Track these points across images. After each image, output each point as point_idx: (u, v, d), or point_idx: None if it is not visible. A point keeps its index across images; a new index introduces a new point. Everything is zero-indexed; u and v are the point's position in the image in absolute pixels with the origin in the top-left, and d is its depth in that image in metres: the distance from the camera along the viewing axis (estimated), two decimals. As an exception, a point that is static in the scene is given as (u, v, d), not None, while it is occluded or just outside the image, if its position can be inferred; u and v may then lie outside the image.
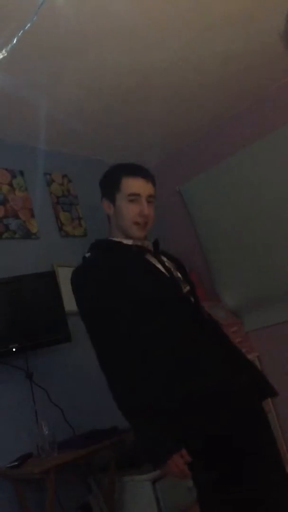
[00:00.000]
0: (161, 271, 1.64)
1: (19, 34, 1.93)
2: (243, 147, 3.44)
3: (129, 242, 1.68)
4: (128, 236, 1.69)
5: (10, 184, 2.94)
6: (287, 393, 3.27)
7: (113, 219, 1.72)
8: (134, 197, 1.66)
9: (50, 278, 2.68)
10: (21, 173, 3.03)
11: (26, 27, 1.90)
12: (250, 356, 3.28)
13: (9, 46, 1.97)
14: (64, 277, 2.85)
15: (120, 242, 1.69)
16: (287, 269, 3.30)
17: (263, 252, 3.39)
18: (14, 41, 1.95)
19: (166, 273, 1.64)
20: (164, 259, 1.72)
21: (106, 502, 2.45)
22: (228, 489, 1.46)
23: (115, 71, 2.71)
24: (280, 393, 3.39)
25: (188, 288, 1.68)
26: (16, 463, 2.22)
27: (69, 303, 2.69)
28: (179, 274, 1.71)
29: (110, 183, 1.73)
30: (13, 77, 2.51)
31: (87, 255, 1.71)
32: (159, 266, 1.66)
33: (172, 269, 1.69)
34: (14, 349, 2.38)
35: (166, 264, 1.69)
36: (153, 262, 1.66)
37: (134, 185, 1.67)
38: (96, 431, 2.45)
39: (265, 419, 1.66)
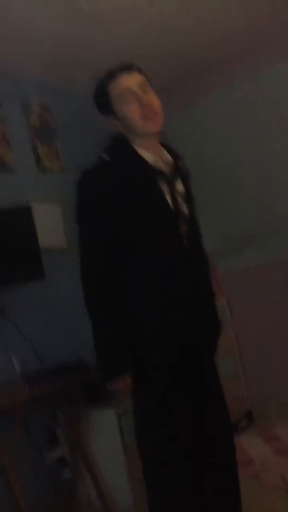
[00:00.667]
0: (168, 207, 1.59)
1: None
2: (228, 85, 3.35)
3: (149, 158, 1.60)
4: (147, 139, 1.61)
5: (-14, 113, 2.80)
6: (253, 338, 3.44)
7: (125, 130, 1.63)
8: (126, 95, 1.58)
9: (25, 213, 2.61)
10: (-2, 102, 2.87)
11: None
12: (220, 301, 3.35)
13: None
14: (40, 213, 2.80)
15: (141, 158, 1.60)
16: (261, 213, 3.33)
17: (238, 194, 3.42)
18: None
19: (171, 206, 1.59)
20: (178, 188, 1.64)
21: (72, 433, 2.54)
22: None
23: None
24: (246, 334, 3.54)
25: (186, 228, 1.63)
26: (-15, 394, 2.26)
27: (44, 239, 2.69)
28: (185, 210, 1.65)
29: (101, 98, 1.65)
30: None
31: (104, 156, 1.63)
32: (168, 197, 1.59)
33: (181, 203, 1.63)
34: (-15, 284, 2.36)
35: (177, 196, 1.62)
36: (164, 191, 1.59)
37: (120, 83, 1.60)
38: (64, 364, 2.49)
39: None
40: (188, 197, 1.69)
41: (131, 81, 1.60)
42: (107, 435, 2.47)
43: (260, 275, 3.43)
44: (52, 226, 2.87)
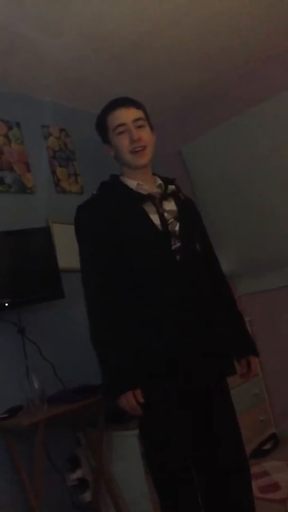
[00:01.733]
0: (153, 225, 1.63)
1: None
2: (247, 109, 3.35)
3: (134, 184, 1.71)
4: (134, 170, 1.71)
5: (6, 136, 2.86)
6: (275, 357, 3.38)
7: (117, 159, 1.75)
8: (120, 128, 1.68)
9: (44, 234, 2.65)
10: (18, 124, 2.94)
11: None
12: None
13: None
14: (59, 233, 2.83)
15: (125, 186, 1.71)
16: (283, 236, 3.29)
17: (260, 218, 3.36)
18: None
19: (159, 227, 1.63)
20: (168, 207, 1.70)
21: (94, 455, 2.51)
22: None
23: (120, 20, 2.60)
24: (268, 356, 3.47)
25: (178, 245, 1.63)
26: (6, 415, 2.25)
27: (63, 260, 2.71)
28: (176, 227, 1.66)
29: (100, 127, 1.75)
30: (13, 24, 2.41)
31: (95, 192, 1.76)
32: (155, 216, 1.64)
33: (169, 221, 1.66)
34: (6, 304, 2.38)
35: (166, 215, 1.67)
36: (149, 212, 1.65)
37: (116, 117, 1.69)
38: (86, 387, 2.47)
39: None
40: (181, 216, 1.71)
41: (126, 115, 1.68)
42: (128, 457, 2.44)
43: (283, 297, 3.39)
44: (71, 246, 2.88)
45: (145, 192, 1.69)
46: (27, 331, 2.55)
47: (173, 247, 1.63)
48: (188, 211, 1.77)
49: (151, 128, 1.75)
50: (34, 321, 2.62)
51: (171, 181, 1.79)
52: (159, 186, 1.74)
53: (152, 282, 1.60)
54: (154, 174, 1.79)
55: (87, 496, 2.54)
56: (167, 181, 1.78)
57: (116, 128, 1.68)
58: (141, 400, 1.52)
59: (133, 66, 3.04)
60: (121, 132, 1.67)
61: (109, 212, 1.65)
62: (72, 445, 2.64)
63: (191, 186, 3.71)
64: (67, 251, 2.79)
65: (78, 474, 2.55)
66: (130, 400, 1.52)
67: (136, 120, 1.68)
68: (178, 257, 1.63)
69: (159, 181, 1.76)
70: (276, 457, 3.02)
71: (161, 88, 3.35)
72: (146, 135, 1.69)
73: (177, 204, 1.73)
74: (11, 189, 2.79)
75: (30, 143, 2.98)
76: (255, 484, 2.37)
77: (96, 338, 1.61)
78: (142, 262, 1.61)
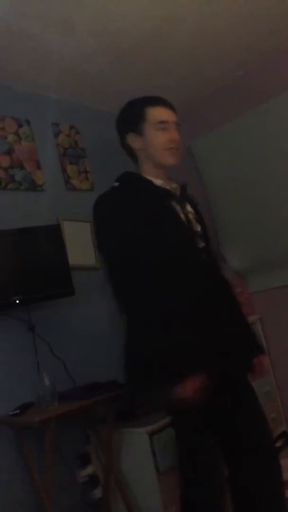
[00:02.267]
0: (182, 222, 1.62)
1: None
2: (257, 105, 3.32)
3: (158, 182, 1.68)
4: (158, 168, 1.69)
5: (16, 134, 2.87)
6: (286, 355, 3.35)
7: (142, 152, 1.71)
8: (163, 125, 1.68)
9: (55, 231, 2.65)
10: (28, 122, 2.95)
11: None
12: (252, 318, 3.30)
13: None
14: (69, 231, 2.84)
15: (149, 181, 1.68)
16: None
17: (271, 215, 3.34)
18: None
19: (187, 225, 1.64)
20: (189, 209, 1.70)
21: (104, 452, 2.52)
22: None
23: (128, 18, 2.59)
24: (279, 354, 3.45)
25: (203, 244, 1.67)
26: (17, 411, 2.26)
27: (74, 257, 2.71)
28: (198, 228, 1.68)
29: (134, 116, 1.71)
30: (23, 22, 2.41)
31: (116, 184, 1.70)
32: (182, 215, 1.64)
33: (193, 222, 1.67)
34: (17, 301, 2.38)
35: (189, 215, 1.67)
36: (177, 210, 1.64)
37: (161, 113, 1.70)
38: (96, 384, 2.48)
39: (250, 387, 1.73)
40: (199, 218, 1.73)
41: (171, 116, 1.72)
42: (138, 454, 2.44)
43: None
44: (81, 244, 2.90)
45: (171, 190, 1.69)
46: (38, 328, 2.55)
47: (199, 246, 1.66)
48: (200, 213, 1.78)
49: None
50: (45, 318, 2.63)
51: (185, 184, 1.79)
52: (176, 189, 1.73)
53: (182, 280, 1.55)
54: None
55: (97, 493, 2.55)
56: (180, 184, 1.79)
57: (159, 123, 1.68)
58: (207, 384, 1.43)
59: (142, 63, 3.03)
60: (163, 129, 1.68)
61: (136, 204, 1.59)
62: (82, 442, 2.64)
63: (201, 183, 3.70)
64: (77, 249, 2.81)
65: (88, 470, 2.56)
66: (198, 384, 1.42)
67: (176, 123, 1.73)
68: (204, 256, 1.66)
69: (175, 184, 1.76)
70: (287, 454, 3.01)
71: (169, 85, 3.32)
72: (179, 140, 1.72)
73: (192, 207, 1.74)
74: (22, 186, 2.80)
75: (40, 141, 2.98)
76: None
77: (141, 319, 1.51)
78: (171, 259, 1.56)
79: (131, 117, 1.73)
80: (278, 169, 3.26)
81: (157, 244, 1.55)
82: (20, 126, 2.90)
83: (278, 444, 3.13)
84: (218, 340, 1.51)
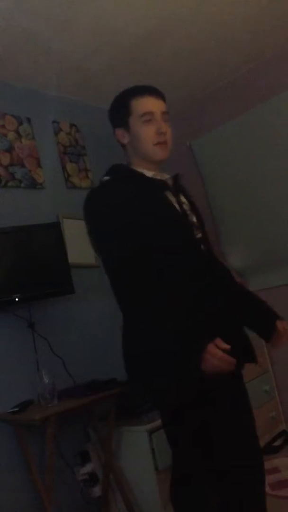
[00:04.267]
0: (178, 213, 1.58)
1: None
2: (258, 104, 3.32)
3: (150, 174, 1.61)
4: (148, 162, 1.61)
5: (17, 131, 2.86)
6: (286, 354, 3.35)
7: (130, 147, 1.64)
8: (148, 117, 1.59)
9: (55, 229, 2.65)
10: (28, 120, 2.94)
11: None
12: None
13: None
14: (69, 228, 2.83)
15: (141, 173, 1.60)
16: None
17: (271, 214, 3.34)
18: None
19: (183, 216, 1.59)
20: (183, 199, 1.65)
21: (104, 450, 2.52)
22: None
23: (129, 16, 2.59)
24: (279, 354, 3.45)
25: (200, 235, 1.63)
26: (17, 409, 2.26)
27: (73, 255, 2.71)
28: (194, 219, 1.64)
29: (119, 109, 1.64)
30: (24, 20, 2.41)
31: (105, 178, 1.63)
32: (177, 206, 1.59)
33: (188, 212, 1.63)
34: (17, 299, 2.38)
35: (184, 206, 1.62)
36: (172, 201, 1.59)
37: (145, 104, 1.60)
38: (96, 382, 2.48)
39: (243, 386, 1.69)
40: (194, 208, 1.69)
41: (157, 106, 1.61)
42: (138, 453, 2.44)
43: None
44: (81, 242, 2.88)
45: (163, 181, 1.62)
46: (37, 326, 2.55)
47: (197, 237, 1.61)
48: (195, 204, 1.73)
49: None
50: (44, 316, 2.63)
51: (178, 176, 1.72)
52: (168, 180, 1.67)
53: (181, 270, 1.51)
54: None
55: (97, 491, 2.55)
56: (173, 175, 1.71)
57: (144, 115, 1.58)
58: (226, 346, 1.35)
59: (142, 61, 3.03)
60: (148, 121, 1.58)
61: (130, 196, 1.52)
62: (82, 440, 2.65)
63: (202, 181, 3.70)
64: (77, 247, 2.80)
65: (88, 468, 2.56)
66: (215, 352, 1.34)
67: (164, 113, 1.62)
68: (202, 246, 1.62)
69: (167, 176, 1.69)
70: (286, 453, 3.01)
71: (171, 83, 3.32)
72: (169, 131, 1.63)
73: (186, 198, 1.69)
74: (22, 184, 2.79)
75: (40, 139, 2.98)
76: (266, 481, 2.36)
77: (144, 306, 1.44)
78: (169, 249, 1.52)
79: (117, 110, 1.66)
80: (278, 169, 3.26)
81: (155, 236, 1.50)
82: (20, 124, 2.89)
83: (277, 443, 3.13)
84: (216, 330, 1.46)
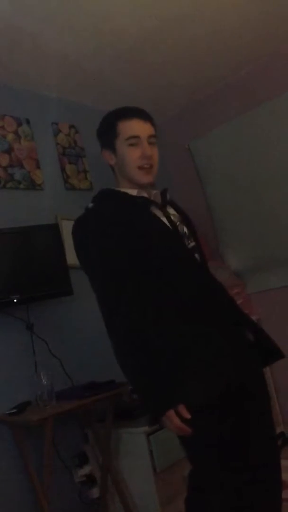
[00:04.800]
0: (166, 225, 1.57)
1: None
2: (257, 105, 3.32)
3: (134, 192, 1.61)
4: (134, 184, 1.61)
5: (16, 133, 2.87)
6: (286, 358, 3.34)
7: (117, 169, 1.65)
8: (133, 140, 1.58)
9: (53, 230, 2.65)
10: (27, 121, 2.94)
11: None
12: (252, 318, 3.29)
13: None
14: (68, 230, 2.79)
15: (124, 193, 1.61)
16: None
17: (271, 215, 3.34)
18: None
19: (171, 227, 1.58)
20: (171, 211, 1.64)
21: (102, 451, 2.51)
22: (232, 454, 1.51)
23: (128, 17, 2.59)
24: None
25: (193, 244, 1.62)
26: (15, 410, 2.26)
27: (72, 256, 2.69)
28: (185, 229, 1.64)
29: (106, 131, 1.65)
30: (24, 21, 2.41)
31: (90, 205, 1.63)
32: (164, 219, 1.58)
33: (178, 223, 1.62)
34: (15, 300, 2.38)
35: (172, 218, 1.61)
36: (158, 215, 1.58)
37: (131, 127, 1.59)
38: (94, 383, 2.48)
39: (265, 383, 1.69)
40: (185, 219, 1.68)
41: (143, 129, 1.60)
42: (136, 454, 2.44)
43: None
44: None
45: (147, 196, 1.62)
46: (36, 327, 2.55)
47: (189, 246, 1.61)
48: (187, 215, 1.72)
49: None
50: (43, 317, 2.63)
51: (165, 191, 1.70)
52: (156, 195, 1.65)
53: (177, 282, 1.51)
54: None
55: (94, 492, 2.54)
56: (161, 191, 1.70)
57: (129, 139, 1.58)
58: (186, 415, 1.37)
59: (142, 62, 3.03)
60: (133, 144, 1.58)
61: (115, 219, 1.52)
62: (80, 441, 2.64)
63: (200, 183, 3.70)
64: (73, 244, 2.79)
65: (86, 470, 2.56)
66: (174, 420, 1.37)
67: (151, 136, 1.61)
68: (196, 255, 1.61)
69: (155, 191, 1.67)
70: (284, 455, 3.00)
71: (170, 85, 3.33)
72: (156, 154, 1.62)
73: (176, 210, 1.69)
74: (21, 185, 2.79)
75: (39, 140, 2.98)
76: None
77: (125, 350, 1.49)
78: (163, 262, 1.51)
79: (104, 132, 1.66)
80: (278, 169, 3.26)
81: (145, 253, 1.50)
82: (19, 125, 2.89)
83: (276, 445, 3.12)
84: (219, 347, 1.48)
